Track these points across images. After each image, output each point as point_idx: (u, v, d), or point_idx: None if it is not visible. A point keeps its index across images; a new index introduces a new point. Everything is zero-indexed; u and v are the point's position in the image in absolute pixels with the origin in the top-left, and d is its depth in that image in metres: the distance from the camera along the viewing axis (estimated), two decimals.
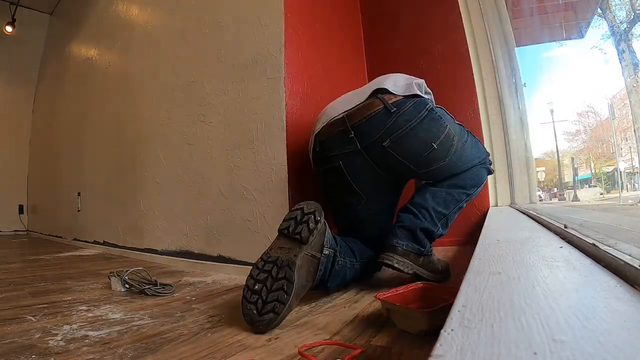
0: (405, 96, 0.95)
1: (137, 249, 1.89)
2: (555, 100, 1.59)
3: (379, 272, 1.12)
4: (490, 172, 1.11)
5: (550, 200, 1.79)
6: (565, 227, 0.74)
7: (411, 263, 0.94)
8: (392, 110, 0.93)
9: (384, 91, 0.96)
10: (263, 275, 0.74)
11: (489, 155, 1.11)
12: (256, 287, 0.73)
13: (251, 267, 0.77)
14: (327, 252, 0.84)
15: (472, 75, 1.68)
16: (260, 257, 0.77)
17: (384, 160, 0.97)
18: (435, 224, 0.99)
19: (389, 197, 1.09)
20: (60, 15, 3.88)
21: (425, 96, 0.98)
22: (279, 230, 0.82)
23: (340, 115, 0.98)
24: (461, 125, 1.05)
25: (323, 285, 0.88)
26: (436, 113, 0.96)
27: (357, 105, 0.97)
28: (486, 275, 0.43)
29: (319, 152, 1.05)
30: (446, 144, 0.96)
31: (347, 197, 1.04)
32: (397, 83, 1.00)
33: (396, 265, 0.92)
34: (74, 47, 3.16)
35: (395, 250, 0.94)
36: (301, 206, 0.85)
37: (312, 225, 0.81)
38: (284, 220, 0.83)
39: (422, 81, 1.04)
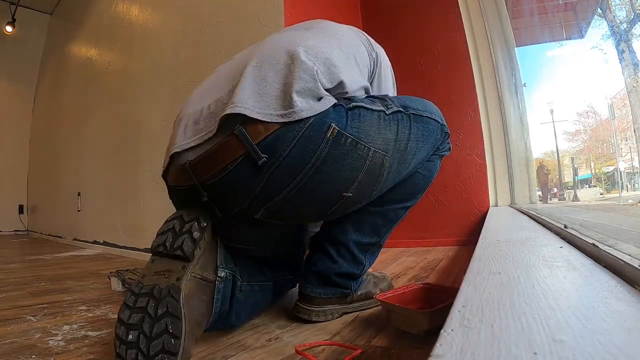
0: (283, 124, 0.55)
1: (137, 249, 1.89)
2: (555, 100, 1.60)
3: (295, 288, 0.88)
4: (444, 154, 0.79)
5: (550, 200, 1.79)
6: (565, 227, 0.74)
7: (337, 306, 0.74)
8: (259, 162, 0.55)
9: (243, 118, 0.55)
10: (137, 317, 0.52)
11: (444, 127, 0.75)
12: (130, 336, 0.50)
13: (119, 308, 0.54)
14: (222, 274, 0.62)
15: (472, 75, 1.68)
16: (130, 290, 0.55)
17: (264, 226, 0.67)
18: (359, 262, 0.75)
19: (290, 231, 0.79)
20: (60, 15, 3.88)
21: (325, 104, 0.57)
22: (152, 250, 0.59)
23: (183, 161, 0.60)
24: (401, 110, 0.66)
25: (224, 322, 0.65)
26: (348, 138, 0.58)
27: (200, 145, 0.58)
28: (486, 275, 0.43)
29: (173, 197, 0.70)
30: (369, 179, 0.64)
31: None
32: (265, 89, 0.57)
33: (315, 318, 0.71)
34: (74, 47, 3.16)
35: (312, 300, 0.73)
36: (179, 213, 0.61)
37: (196, 234, 0.58)
38: (157, 235, 0.60)
39: (329, 57, 0.61)
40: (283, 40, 0.65)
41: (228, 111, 0.55)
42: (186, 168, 0.59)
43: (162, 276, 0.55)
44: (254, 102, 0.56)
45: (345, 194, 0.63)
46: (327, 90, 0.59)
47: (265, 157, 0.55)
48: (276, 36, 0.71)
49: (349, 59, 0.69)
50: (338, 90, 0.61)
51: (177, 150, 0.61)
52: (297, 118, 0.55)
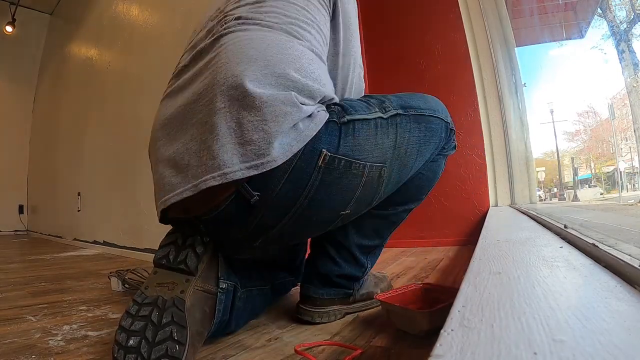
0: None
1: (137, 249, 1.89)
2: (555, 100, 1.60)
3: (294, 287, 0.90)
4: (449, 153, 0.76)
5: (550, 200, 1.79)
6: (565, 227, 0.73)
7: (339, 307, 0.74)
8: (252, 201, 0.53)
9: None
10: (140, 324, 0.52)
11: (449, 124, 0.71)
12: (131, 342, 0.51)
13: (121, 316, 0.54)
14: (224, 286, 0.62)
15: (472, 75, 1.68)
16: (133, 300, 0.55)
17: (263, 249, 0.70)
18: (361, 264, 0.75)
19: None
20: (60, 15, 3.88)
21: (317, 125, 0.53)
22: (155, 262, 0.60)
23: (172, 196, 0.55)
24: (400, 113, 0.63)
25: (224, 329, 0.65)
26: (342, 160, 0.56)
27: (189, 188, 0.53)
28: (486, 275, 0.43)
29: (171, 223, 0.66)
30: (367, 192, 0.62)
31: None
32: (243, 135, 0.51)
33: (318, 320, 0.71)
34: (74, 47, 3.16)
35: (315, 302, 0.73)
36: (181, 225, 0.63)
37: (199, 248, 0.60)
38: (160, 248, 0.61)
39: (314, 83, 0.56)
40: (244, 57, 0.54)
41: (217, 181, 0.50)
42: (179, 205, 0.56)
43: (165, 288, 0.57)
44: (240, 157, 0.51)
45: (343, 212, 0.62)
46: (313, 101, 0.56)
47: (258, 195, 0.53)
48: (230, 46, 0.57)
49: (314, 60, 0.60)
50: (325, 100, 0.59)
51: (163, 207, 0.57)
52: (285, 159, 0.51)
